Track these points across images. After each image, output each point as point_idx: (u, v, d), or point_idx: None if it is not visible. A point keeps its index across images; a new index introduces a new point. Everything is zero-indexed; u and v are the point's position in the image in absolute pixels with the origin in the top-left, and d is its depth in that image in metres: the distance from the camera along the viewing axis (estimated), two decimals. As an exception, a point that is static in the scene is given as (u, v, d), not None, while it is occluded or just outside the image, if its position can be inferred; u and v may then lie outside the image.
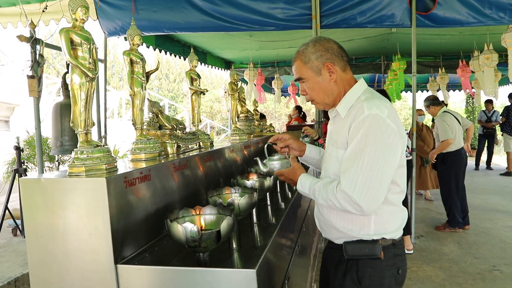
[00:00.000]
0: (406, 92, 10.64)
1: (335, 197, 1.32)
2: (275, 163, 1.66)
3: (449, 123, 4.74)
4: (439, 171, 5.04)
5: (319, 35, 1.53)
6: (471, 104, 13.13)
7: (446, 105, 8.36)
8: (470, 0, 3.74)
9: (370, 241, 1.40)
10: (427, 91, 10.03)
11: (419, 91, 11.14)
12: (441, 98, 8.20)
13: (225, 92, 12.05)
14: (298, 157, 1.78)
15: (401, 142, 1.34)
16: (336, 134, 1.47)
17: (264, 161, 1.70)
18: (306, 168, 1.67)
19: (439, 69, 7.68)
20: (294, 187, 1.56)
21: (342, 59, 1.44)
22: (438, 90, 8.29)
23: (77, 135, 1.40)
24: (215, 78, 32.29)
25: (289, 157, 1.69)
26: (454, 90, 10.96)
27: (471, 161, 10.50)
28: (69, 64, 1.37)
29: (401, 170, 1.39)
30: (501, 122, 9.20)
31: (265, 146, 1.75)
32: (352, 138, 1.33)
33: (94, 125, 1.48)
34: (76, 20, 1.40)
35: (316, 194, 1.41)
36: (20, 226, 4.32)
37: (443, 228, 4.88)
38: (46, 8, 3.86)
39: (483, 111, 9.65)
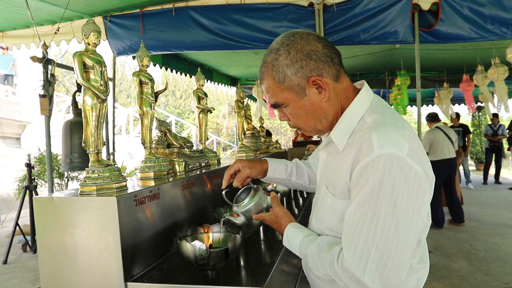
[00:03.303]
0: (412, 106, 10.65)
1: (337, 274, 0.95)
2: (249, 208, 1.24)
3: (432, 138, 5.54)
4: None
5: (292, 30, 1.03)
6: (477, 118, 13.08)
7: (459, 118, 8.45)
8: (472, 15, 3.79)
9: None
10: (433, 105, 10.06)
11: (424, 106, 11.15)
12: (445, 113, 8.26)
13: (232, 108, 12.14)
14: (260, 179, 1.44)
15: (429, 189, 0.94)
16: (332, 173, 1.06)
17: (235, 210, 1.28)
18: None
19: (444, 83, 7.72)
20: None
21: (332, 64, 1.00)
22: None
23: (89, 154, 1.44)
24: (221, 94, 32.58)
25: (252, 187, 1.30)
26: (459, 104, 10.96)
27: (479, 175, 10.44)
28: (80, 84, 1.43)
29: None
30: (507, 136, 9.16)
31: (223, 194, 1.32)
32: (357, 188, 0.93)
33: (104, 144, 1.53)
34: (89, 44, 1.45)
35: (310, 261, 1.04)
36: (29, 242, 4.35)
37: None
38: (58, 30, 3.98)
39: (489, 125, 9.63)
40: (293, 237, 1.09)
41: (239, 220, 1.27)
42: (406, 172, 0.88)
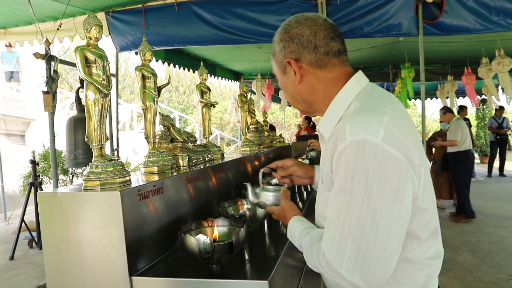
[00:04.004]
0: (415, 99, 10.58)
1: (322, 266, 0.93)
2: (269, 195, 1.30)
3: (463, 127, 5.65)
4: (451, 169, 5.82)
5: (301, 13, 1.07)
6: (481, 111, 12.99)
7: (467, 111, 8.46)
8: (477, 7, 3.75)
9: None
10: (436, 98, 9.99)
11: (428, 99, 11.07)
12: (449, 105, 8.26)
13: (236, 100, 12.14)
14: (311, 185, 1.46)
15: (413, 176, 0.88)
16: (322, 164, 1.07)
17: (256, 190, 1.35)
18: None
19: (448, 76, 7.65)
20: None
21: (314, 52, 1.00)
22: (447, 98, 8.25)
23: (92, 149, 1.44)
24: (224, 90, 32.55)
25: (284, 187, 1.35)
26: (464, 97, 10.88)
27: (483, 168, 10.39)
28: (83, 80, 1.43)
29: (420, 215, 0.95)
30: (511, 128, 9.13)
31: (260, 172, 1.40)
32: (335, 179, 0.91)
33: (108, 139, 1.53)
34: (91, 38, 1.45)
35: (304, 253, 1.04)
36: (35, 238, 4.39)
37: (459, 219, 5.51)
38: (60, 26, 3.98)
39: (493, 117, 9.56)
40: (294, 229, 1.10)
41: (255, 200, 1.33)
42: (381, 159, 0.84)
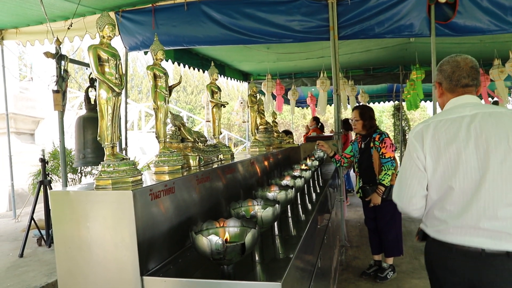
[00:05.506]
0: (426, 101, 10.47)
1: None
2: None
3: None
4: None
5: (455, 55, 1.71)
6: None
7: None
8: (491, 7, 3.69)
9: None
10: (447, 100, 9.87)
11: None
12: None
13: (241, 102, 12.16)
14: None
15: (416, 153, 1.58)
16: None
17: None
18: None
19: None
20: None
21: (450, 82, 1.66)
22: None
23: (104, 148, 1.43)
24: (232, 90, 32.58)
25: None
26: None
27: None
28: (92, 79, 1.43)
29: (429, 179, 1.57)
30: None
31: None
32: None
33: (119, 138, 1.52)
34: (104, 37, 1.45)
35: None
36: (44, 236, 4.41)
37: None
38: (71, 26, 4.00)
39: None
40: None
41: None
42: (409, 144, 1.64)
